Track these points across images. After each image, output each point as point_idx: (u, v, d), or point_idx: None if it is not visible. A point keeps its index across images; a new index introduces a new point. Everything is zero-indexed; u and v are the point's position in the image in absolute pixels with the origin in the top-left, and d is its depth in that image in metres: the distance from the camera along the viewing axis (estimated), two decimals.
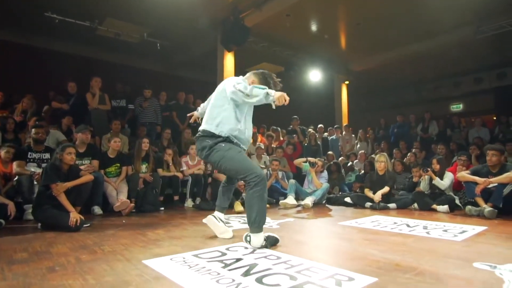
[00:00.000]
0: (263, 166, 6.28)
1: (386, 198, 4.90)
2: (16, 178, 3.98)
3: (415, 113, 9.49)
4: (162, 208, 4.83)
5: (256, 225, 2.43)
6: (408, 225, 3.42)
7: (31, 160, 4.21)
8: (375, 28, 8.79)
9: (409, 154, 6.50)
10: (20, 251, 2.47)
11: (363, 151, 7.80)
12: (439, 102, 12.71)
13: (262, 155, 6.65)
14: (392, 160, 6.05)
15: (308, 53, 10.29)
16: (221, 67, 8.93)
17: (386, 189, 4.87)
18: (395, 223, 3.59)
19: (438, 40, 9.24)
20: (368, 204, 4.93)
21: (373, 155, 6.97)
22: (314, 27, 9.09)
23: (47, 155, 4.31)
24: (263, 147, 6.98)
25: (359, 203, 5.09)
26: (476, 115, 8.98)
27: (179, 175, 5.27)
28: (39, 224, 3.40)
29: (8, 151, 4.19)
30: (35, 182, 3.95)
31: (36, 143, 4.28)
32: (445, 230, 3.12)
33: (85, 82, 6.16)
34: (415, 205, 4.79)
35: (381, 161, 5.01)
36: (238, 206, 4.54)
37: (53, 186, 3.34)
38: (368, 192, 5.02)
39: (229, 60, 8.96)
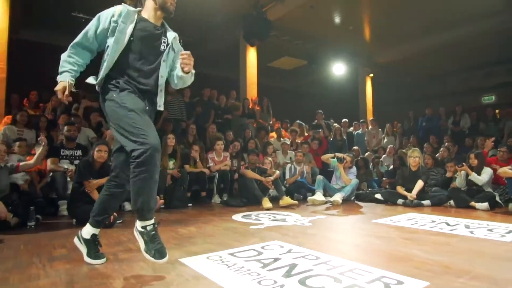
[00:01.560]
0: (288, 162, 6.20)
1: (420, 194, 4.71)
2: (50, 175, 4.08)
3: (444, 106, 9.10)
4: (190, 204, 4.85)
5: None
6: (448, 224, 3.26)
7: (64, 157, 4.31)
8: (401, 18, 8.46)
9: (441, 148, 6.22)
10: (58, 247, 2.51)
11: (391, 145, 7.55)
12: (469, 94, 12.14)
13: (288, 151, 6.55)
14: (423, 155, 5.82)
15: (331, 46, 10.06)
16: (243, 62, 8.87)
17: (420, 183, 4.67)
18: (433, 221, 3.43)
19: (467, 28, 8.79)
20: (400, 200, 4.76)
21: (403, 150, 6.73)
22: (338, 19, 8.86)
23: (79, 152, 4.39)
24: (288, 143, 6.88)
25: (391, 199, 4.92)
26: (510, 107, 8.48)
27: (206, 171, 5.27)
28: (74, 220, 3.47)
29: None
30: (68, 179, 4.03)
31: (68, 141, 4.37)
32: (490, 230, 2.94)
33: None
34: (451, 202, 4.57)
35: (415, 157, 4.81)
36: (267, 203, 4.48)
37: (86, 183, 3.40)
38: (401, 189, 4.84)
39: (251, 54, 8.88)
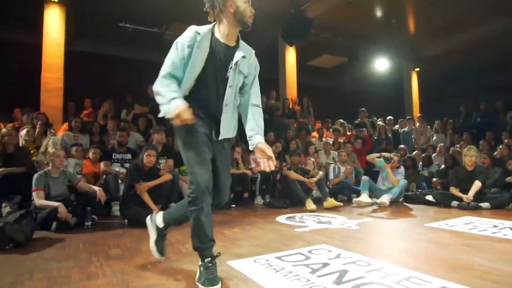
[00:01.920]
0: (331, 162, 6.05)
1: (477, 196, 4.36)
2: (103, 177, 4.34)
3: (501, 100, 8.36)
4: (234, 205, 4.90)
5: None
6: None
7: (115, 160, 4.56)
8: (451, 6, 7.90)
9: (500, 146, 5.72)
10: (113, 246, 2.64)
11: (442, 143, 7.09)
12: None
13: (331, 151, 6.40)
14: (479, 153, 5.39)
15: (373, 41, 9.68)
16: (282, 62, 8.82)
17: (478, 184, 4.33)
18: (495, 226, 3.15)
19: None
20: (454, 203, 4.44)
21: (457, 148, 6.29)
22: (379, 13, 8.51)
23: (129, 156, 4.63)
24: (331, 142, 6.73)
25: (444, 201, 4.61)
26: None
27: (248, 172, 5.30)
28: (126, 221, 3.65)
29: (95, 152, 4.60)
30: (120, 181, 4.26)
31: (119, 145, 4.62)
32: None
33: None
34: None
35: (471, 155, 4.46)
36: (310, 204, 4.40)
37: (136, 186, 3.56)
38: (455, 190, 4.52)
39: (290, 54, 8.81)
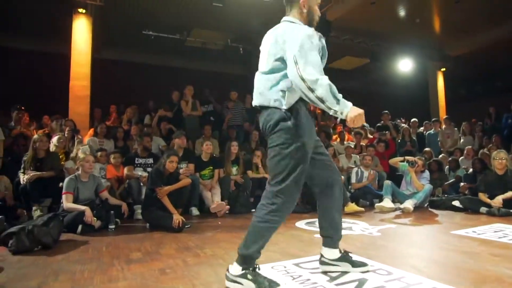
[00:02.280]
0: (353, 166, 5.94)
1: (508, 202, 4.14)
2: (127, 181, 4.46)
3: None
4: (254, 210, 4.88)
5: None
6: None
7: (138, 165, 4.68)
8: (477, 2, 7.60)
9: None
10: (134, 250, 2.70)
11: (470, 146, 6.81)
12: None
13: (352, 155, 6.29)
14: (510, 156, 5.13)
15: (396, 41, 9.48)
16: None
17: (510, 194, 4.12)
18: None
19: None
20: (483, 209, 4.24)
21: (486, 151, 6.01)
22: (402, 12, 8.32)
23: (151, 160, 4.74)
24: (352, 146, 6.61)
25: (472, 207, 4.41)
26: None
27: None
28: (147, 224, 3.73)
29: (115, 157, 4.77)
30: (142, 184, 4.36)
31: (144, 150, 4.75)
32: None
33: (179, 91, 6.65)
34: None
35: (501, 158, 4.24)
36: (352, 206, 4.33)
37: (157, 190, 3.63)
38: (483, 196, 4.32)
39: None
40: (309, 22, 1.85)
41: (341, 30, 8.51)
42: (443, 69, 10.72)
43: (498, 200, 4.10)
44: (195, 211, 4.57)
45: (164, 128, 6.23)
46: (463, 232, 3.15)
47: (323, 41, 1.77)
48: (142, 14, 7.58)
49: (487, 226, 3.41)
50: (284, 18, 1.88)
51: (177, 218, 3.43)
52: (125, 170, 4.58)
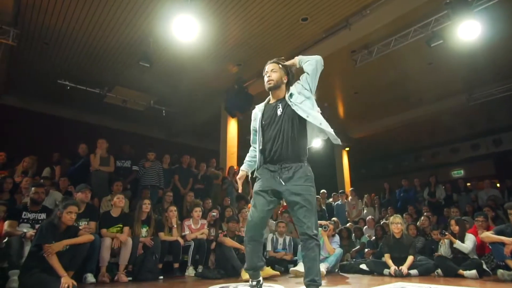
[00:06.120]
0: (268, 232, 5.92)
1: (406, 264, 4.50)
2: (5, 240, 3.65)
3: (418, 178, 9.37)
4: (161, 277, 4.38)
5: None
6: None
7: (25, 220, 3.90)
8: (371, 96, 9.21)
9: (422, 218, 6.20)
10: None
11: (371, 216, 7.48)
12: (439, 168, 12.70)
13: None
14: (406, 225, 5.75)
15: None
16: (224, 133, 9.07)
17: (410, 259, 4.50)
18: None
19: (431, 107, 9.67)
20: (386, 271, 4.52)
21: (385, 220, 6.66)
22: (315, 96, 9.49)
23: (43, 216, 3.99)
24: None
25: (377, 270, 4.67)
26: (478, 181, 8.87)
27: (181, 240, 4.90)
28: None
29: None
30: (25, 242, 3.59)
31: (33, 203, 4.01)
32: None
33: (92, 148, 6.06)
34: (439, 271, 4.38)
35: (397, 223, 4.71)
36: (246, 274, 4.10)
37: (45, 247, 3.02)
38: (388, 258, 4.63)
39: (232, 126, 9.13)
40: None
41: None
42: (347, 149, 12.15)
43: (404, 269, 4.40)
44: (90, 277, 3.82)
45: (62, 185, 5.45)
46: None
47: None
48: (61, 61, 7.17)
49: (391, 285, 3.60)
50: None
51: (66, 281, 2.86)
52: (6, 226, 3.72)
